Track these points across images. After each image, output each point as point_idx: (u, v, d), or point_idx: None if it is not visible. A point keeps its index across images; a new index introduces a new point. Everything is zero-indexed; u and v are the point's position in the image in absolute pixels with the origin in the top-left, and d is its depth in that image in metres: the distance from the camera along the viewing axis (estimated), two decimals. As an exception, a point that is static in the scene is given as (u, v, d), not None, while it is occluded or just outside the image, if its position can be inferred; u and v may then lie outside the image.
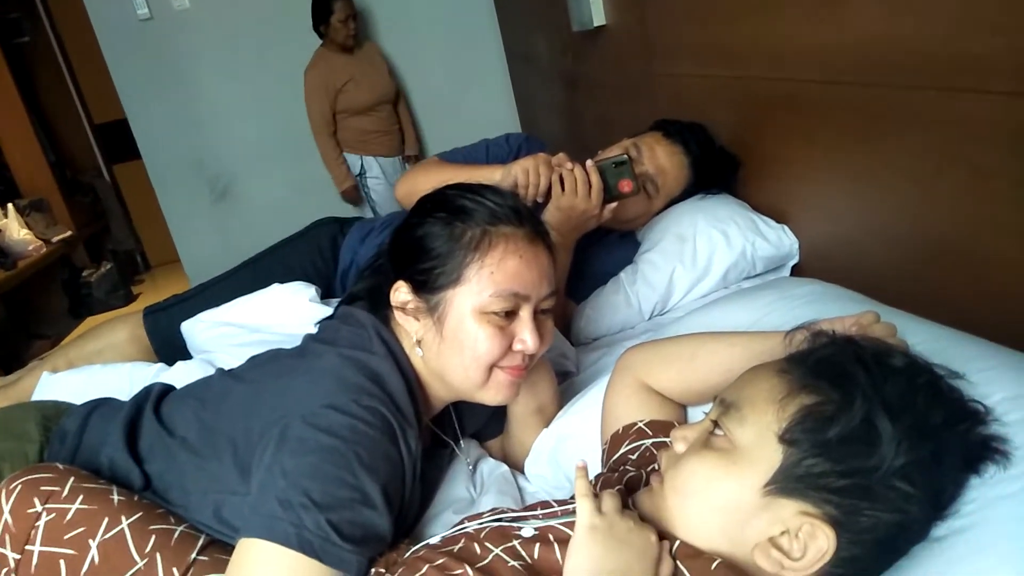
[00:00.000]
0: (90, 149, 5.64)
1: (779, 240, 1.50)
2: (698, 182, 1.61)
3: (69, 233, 4.77)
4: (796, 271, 1.53)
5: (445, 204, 0.95)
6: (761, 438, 0.69)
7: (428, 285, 0.93)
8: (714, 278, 1.49)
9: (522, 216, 0.95)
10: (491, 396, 0.96)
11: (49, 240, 4.52)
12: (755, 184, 1.62)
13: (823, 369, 0.70)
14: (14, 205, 4.35)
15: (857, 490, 0.65)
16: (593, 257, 1.59)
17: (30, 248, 4.25)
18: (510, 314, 0.92)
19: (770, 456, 0.68)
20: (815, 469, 0.66)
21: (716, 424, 0.74)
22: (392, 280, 0.97)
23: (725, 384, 0.79)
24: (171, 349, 1.58)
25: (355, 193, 3.80)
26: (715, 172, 1.61)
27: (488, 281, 0.90)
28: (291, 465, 0.80)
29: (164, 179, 4.03)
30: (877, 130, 1.15)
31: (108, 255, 5.32)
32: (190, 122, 3.94)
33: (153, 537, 0.86)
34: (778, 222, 1.52)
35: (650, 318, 1.51)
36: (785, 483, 0.67)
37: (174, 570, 0.84)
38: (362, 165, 3.76)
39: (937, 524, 0.68)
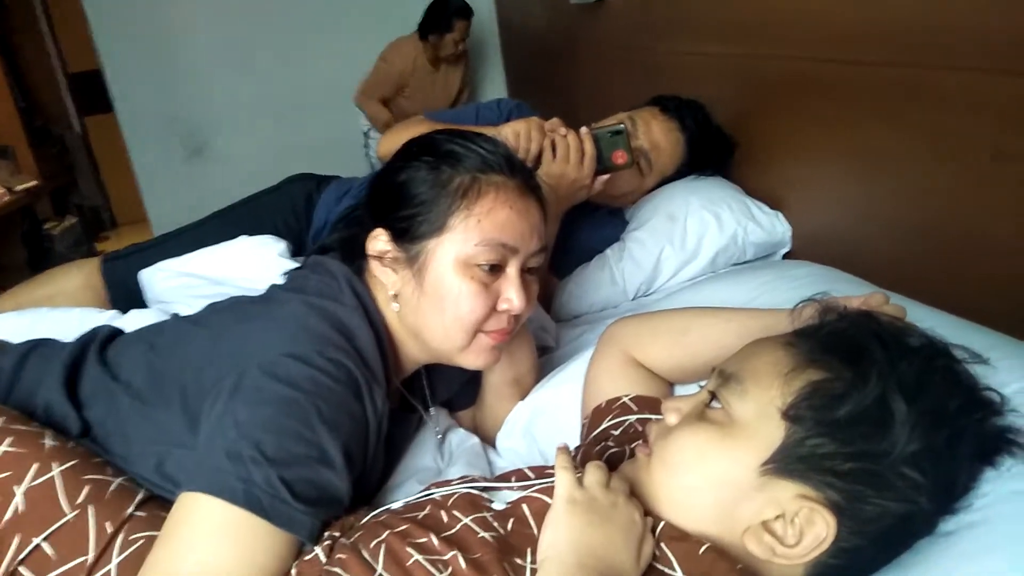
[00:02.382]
0: (61, 99, 5.44)
1: (772, 227, 1.45)
2: (692, 162, 1.55)
3: (34, 183, 4.57)
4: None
5: (432, 148, 0.88)
6: (762, 413, 0.64)
7: (409, 233, 0.86)
8: (702, 261, 1.44)
9: (515, 166, 0.88)
10: (471, 360, 0.89)
11: (12, 188, 4.33)
12: (750, 168, 1.58)
13: (835, 343, 0.64)
14: (-23, 149, 4.16)
15: (864, 475, 0.60)
16: (579, 232, 1.53)
17: (-9, 195, 4.07)
18: (495, 269, 0.85)
19: (771, 433, 0.63)
20: (820, 450, 0.61)
21: (713, 396, 0.68)
22: (369, 228, 0.89)
23: (717, 361, 0.73)
24: (128, 299, 1.48)
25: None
26: (710, 153, 1.56)
27: (475, 230, 0.83)
28: (244, 415, 0.73)
29: (136, 133, 3.89)
30: (882, 110, 1.11)
31: (73, 209, 5.14)
32: (167, 75, 3.80)
33: (86, 488, 0.78)
34: (772, 208, 1.48)
35: (634, 298, 1.46)
36: (785, 463, 0.62)
37: (107, 524, 0.76)
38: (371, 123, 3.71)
39: (946, 518, 0.63)
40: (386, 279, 0.88)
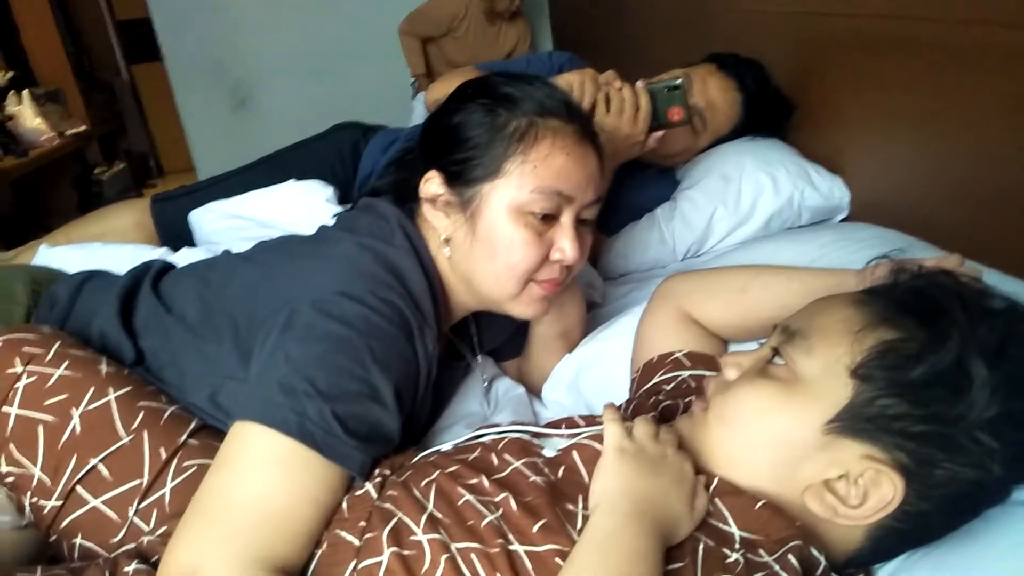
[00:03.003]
0: (110, 46, 5.48)
1: (830, 191, 1.40)
2: (748, 123, 1.50)
3: (84, 128, 4.65)
4: (843, 227, 1.43)
5: (488, 90, 0.86)
6: (829, 371, 0.61)
7: (463, 177, 0.84)
8: (756, 224, 1.40)
9: (573, 112, 0.85)
10: (521, 309, 0.88)
11: (63, 133, 4.40)
12: (808, 131, 1.52)
13: (912, 302, 0.61)
14: (30, 92, 4.23)
15: (936, 438, 0.57)
16: (629, 190, 1.49)
17: (43, 138, 4.13)
18: (548, 219, 0.83)
19: (838, 391, 0.60)
20: (890, 410, 0.58)
21: (776, 352, 0.66)
22: (422, 171, 0.88)
23: (777, 320, 0.71)
24: (177, 239, 1.50)
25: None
26: (768, 114, 1.50)
27: (531, 176, 0.81)
28: (296, 351, 0.72)
29: (184, 82, 3.92)
30: (951, 70, 1.05)
31: (122, 155, 5.22)
32: (216, 24, 3.81)
33: (141, 414, 0.79)
34: (830, 172, 1.43)
35: (683, 259, 1.43)
36: (852, 422, 0.59)
37: (161, 450, 0.77)
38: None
39: (1021, 486, 0.60)
40: (438, 223, 0.87)
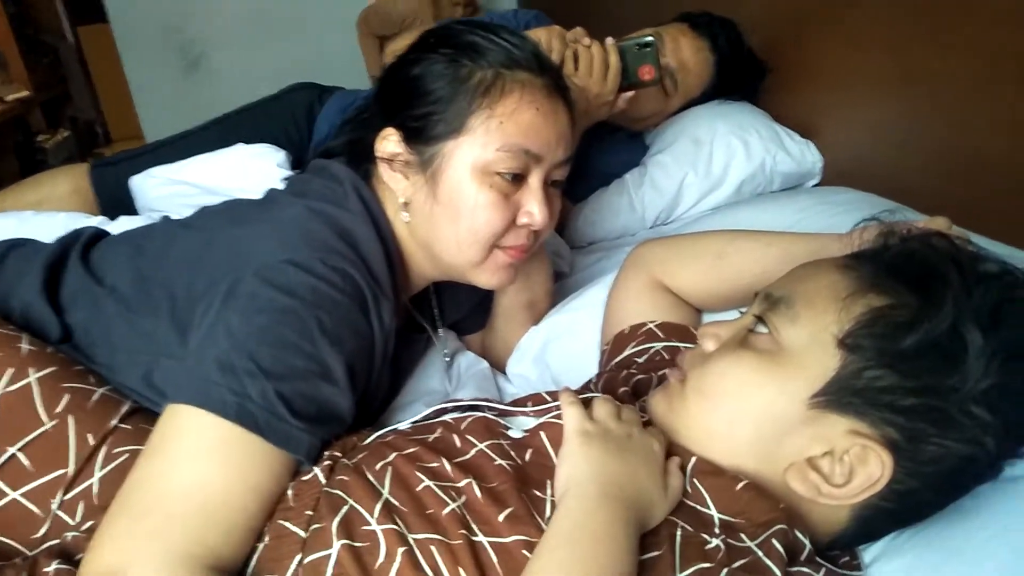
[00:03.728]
0: (54, 6, 5.22)
1: (802, 156, 1.37)
2: (720, 85, 1.45)
3: (26, 93, 4.43)
4: (815, 193, 1.40)
5: (452, 39, 0.79)
6: (815, 341, 0.57)
7: (423, 134, 0.77)
8: (727, 190, 1.36)
9: (543, 64, 0.79)
10: (485, 278, 0.82)
11: (3, 98, 4.19)
12: (780, 95, 1.48)
13: (904, 266, 0.57)
14: (-34, 55, 4.00)
15: (927, 412, 0.53)
16: (597, 155, 1.44)
17: (-19, 104, 3.93)
18: (517, 179, 0.77)
19: (824, 362, 0.56)
20: (879, 382, 0.54)
21: (759, 321, 0.61)
22: (379, 128, 0.81)
23: (755, 288, 0.66)
24: (117, 207, 1.40)
25: None
26: (741, 76, 1.46)
27: (497, 133, 0.75)
28: (238, 325, 0.66)
29: (131, 45, 3.71)
30: (927, 29, 1.01)
31: (67, 123, 4.99)
32: (164, -18, 3.61)
33: (67, 396, 0.71)
34: (802, 137, 1.39)
35: (653, 226, 1.38)
36: (839, 395, 0.55)
37: (89, 436, 0.70)
38: None
39: (1013, 462, 0.57)
40: (396, 185, 0.80)
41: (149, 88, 3.80)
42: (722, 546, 0.53)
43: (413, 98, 0.78)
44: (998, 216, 0.92)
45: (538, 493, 0.58)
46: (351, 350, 0.70)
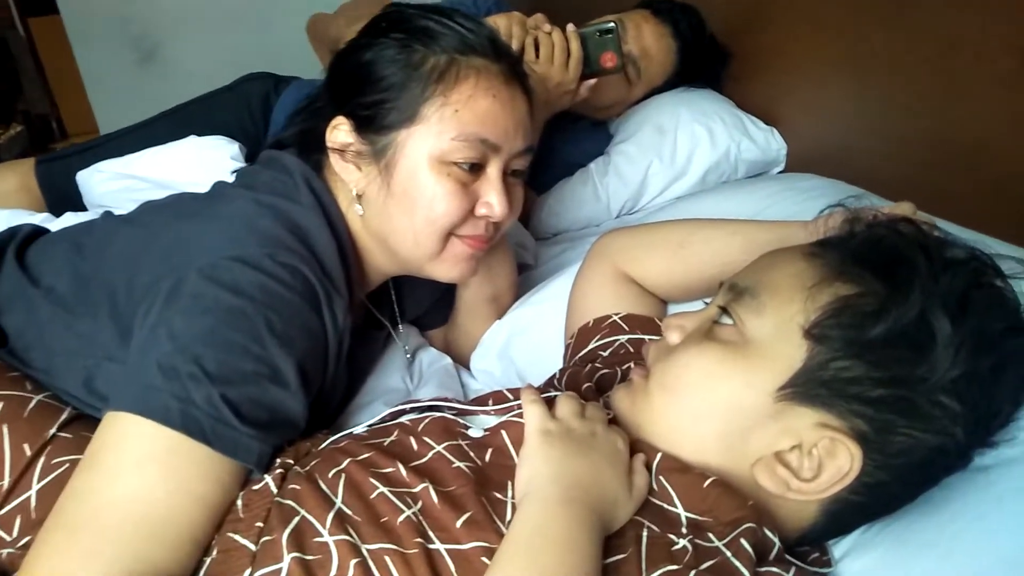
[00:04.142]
0: (1, -3, 5.04)
1: (767, 143, 1.36)
2: (683, 72, 1.44)
3: (-27, 87, 4.28)
4: (780, 180, 1.39)
5: (404, 23, 0.76)
6: (781, 331, 0.55)
7: (375, 123, 0.74)
8: (692, 178, 1.35)
9: (500, 49, 0.76)
10: (444, 270, 0.79)
11: (-51, 92, 4.04)
12: (743, 81, 1.47)
13: (870, 253, 0.56)
14: (-92, 48, 3.84)
15: (896, 403, 0.52)
16: (560, 144, 1.41)
17: (-75, 98, 3.78)
18: (475, 168, 0.74)
19: (791, 353, 0.54)
20: (846, 373, 0.53)
21: (724, 312, 0.59)
22: (329, 117, 0.78)
23: (720, 278, 0.64)
24: (65, 203, 1.35)
25: None
26: (703, 62, 1.44)
27: (452, 122, 0.72)
28: (181, 326, 0.62)
29: (84, 36, 3.59)
30: (884, 13, 1.00)
31: (19, 118, 4.83)
32: (114, -29, 3.50)
33: (0, 404, 0.67)
34: (766, 124, 1.38)
35: (618, 216, 1.37)
36: (806, 387, 0.54)
37: (26, 446, 0.66)
38: None
39: (983, 451, 0.56)
40: (348, 176, 0.77)
41: (103, 80, 3.68)
42: (689, 547, 0.52)
43: (364, 85, 0.75)
44: (963, 201, 0.92)
45: (498, 495, 0.55)
46: (303, 351, 0.67)
